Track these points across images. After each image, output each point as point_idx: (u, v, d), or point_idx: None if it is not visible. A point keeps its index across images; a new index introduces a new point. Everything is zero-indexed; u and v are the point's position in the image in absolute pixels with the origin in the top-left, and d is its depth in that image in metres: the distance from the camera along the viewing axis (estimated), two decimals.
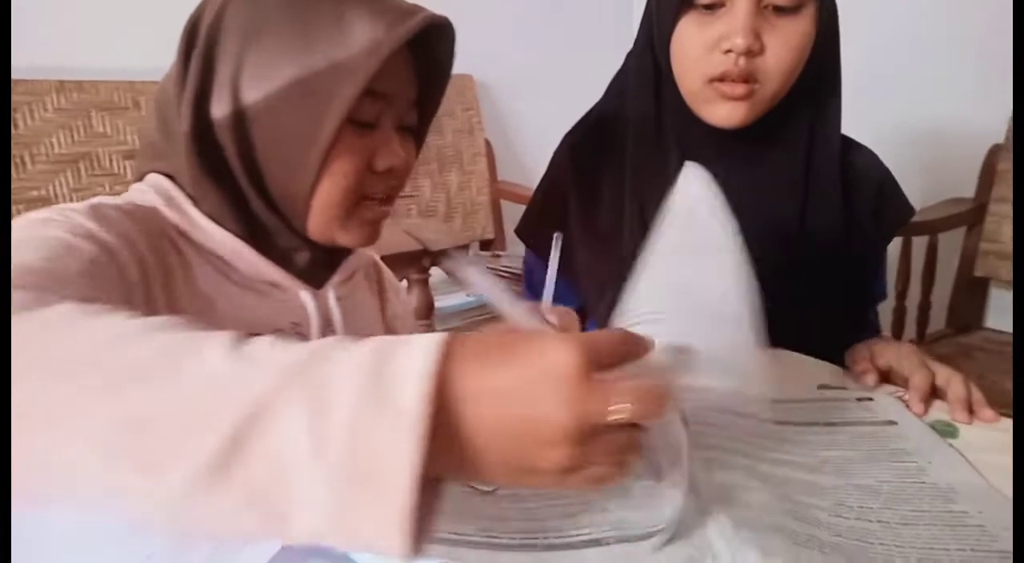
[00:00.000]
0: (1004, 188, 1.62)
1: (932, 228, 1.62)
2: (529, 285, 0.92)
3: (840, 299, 0.78)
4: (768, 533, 0.39)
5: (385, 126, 0.62)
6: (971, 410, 0.59)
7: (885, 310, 1.60)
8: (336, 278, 0.69)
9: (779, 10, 0.69)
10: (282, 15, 0.58)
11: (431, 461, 0.30)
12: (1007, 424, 0.57)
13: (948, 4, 1.76)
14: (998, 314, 1.72)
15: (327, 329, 0.68)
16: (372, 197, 0.64)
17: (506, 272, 1.93)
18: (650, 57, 0.79)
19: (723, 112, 0.73)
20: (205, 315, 0.61)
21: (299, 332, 0.66)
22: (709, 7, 0.70)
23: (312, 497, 0.29)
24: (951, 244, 1.70)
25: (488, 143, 2.24)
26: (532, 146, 2.34)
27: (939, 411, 0.60)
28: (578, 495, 0.44)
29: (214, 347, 0.33)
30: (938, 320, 1.72)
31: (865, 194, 0.80)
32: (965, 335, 1.64)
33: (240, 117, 0.59)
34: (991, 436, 0.55)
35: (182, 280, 0.60)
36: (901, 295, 1.63)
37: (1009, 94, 1.59)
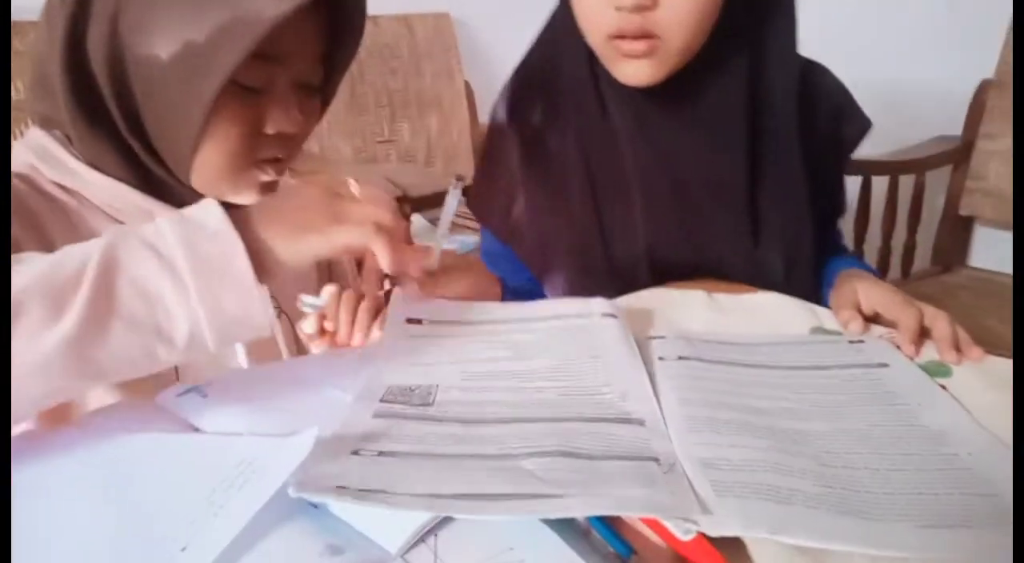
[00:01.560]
0: (991, 124, 1.61)
1: (919, 166, 1.61)
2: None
3: (807, 222, 0.77)
4: (749, 499, 0.39)
5: (279, 88, 0.58)
6: (958, 349, 0.58)
7: (871, 250, 1.60)
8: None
9: None
10: None
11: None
12: (996, 363, 0.57)
13: None
14: (982, 252, 1.72)
15: None
16: (265, 160, 0.61)
17: None
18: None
19: (629, 70, 0.69)
20: None
21: None
22: None
23: (183, 308, 0.41)
24: (938, 183, 1.69)
25: (468, 85, 2.18)
26: None
27: (932, 351, 0.59)
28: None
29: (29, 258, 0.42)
30: (923, 259, 1.72)
31: (824, 114, 0.78)
32: (949, 273, 1.65)
33: (117, 61, 0.55)
34: (982, 375, 0.55)
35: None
36: (887, 235, 1.63)
37: (998, 32, 1.56)
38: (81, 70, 0.55)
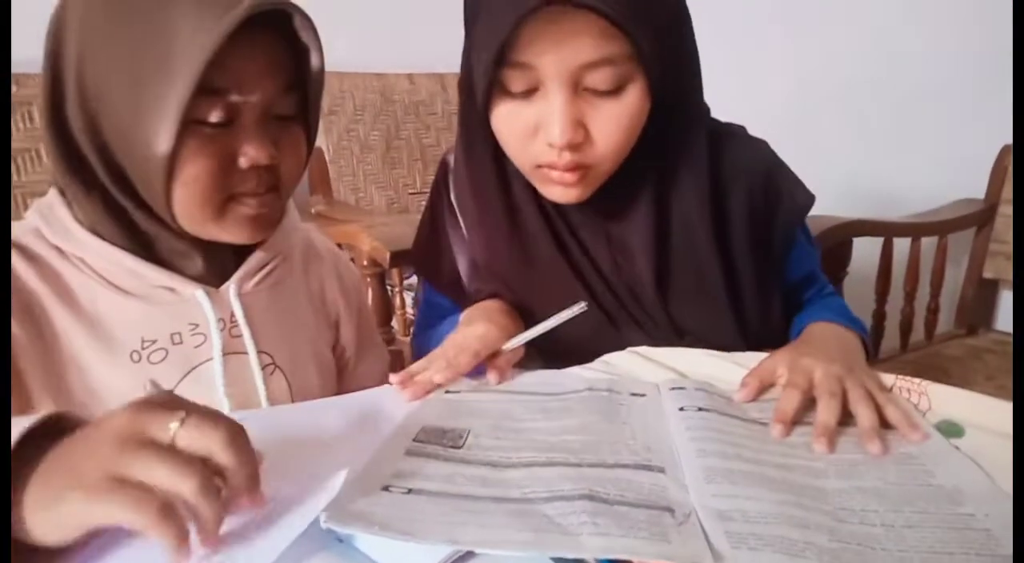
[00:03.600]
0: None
1: (941, 229, 1.61)
2: (428, 322, 0.88)
3: (725, 314, 0.75)
4: (763, 551, 0.39)
5: (245, 120, 0.58)
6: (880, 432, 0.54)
7: (893, 311, 1.60)
8: (240, 273, 0.67)
9: (600, 93, 0.63)
10: (111, 12, 0.55)
11: None
12: (1009, 419, 0.56)
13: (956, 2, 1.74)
14: (1008, 315, 1.71)
15: (232, 326, 0.66)
16: (245, 194, 0.60)
17: None
18: (480, 128, 0.72)
19: (557, 193, 0.69)
20: (91, 336, 0.60)
21: (199, 332, 0.64)
22: (524, 94, 0.64)
23: None
24: (962, 245, 1.69)
25: None
26: None
27: (946, 407, 0.58)
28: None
29: None
30: (946, 322, 1.71)
31: (745, 188, 0.75)
32: (974, 336, 1.63)
33: (94, 125, 0.57)
34: (997, 433, 0.54)
35: (64, 313, 0.60)
36: (910, 296, 1.62)
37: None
38: (66, 137, 0.58)
